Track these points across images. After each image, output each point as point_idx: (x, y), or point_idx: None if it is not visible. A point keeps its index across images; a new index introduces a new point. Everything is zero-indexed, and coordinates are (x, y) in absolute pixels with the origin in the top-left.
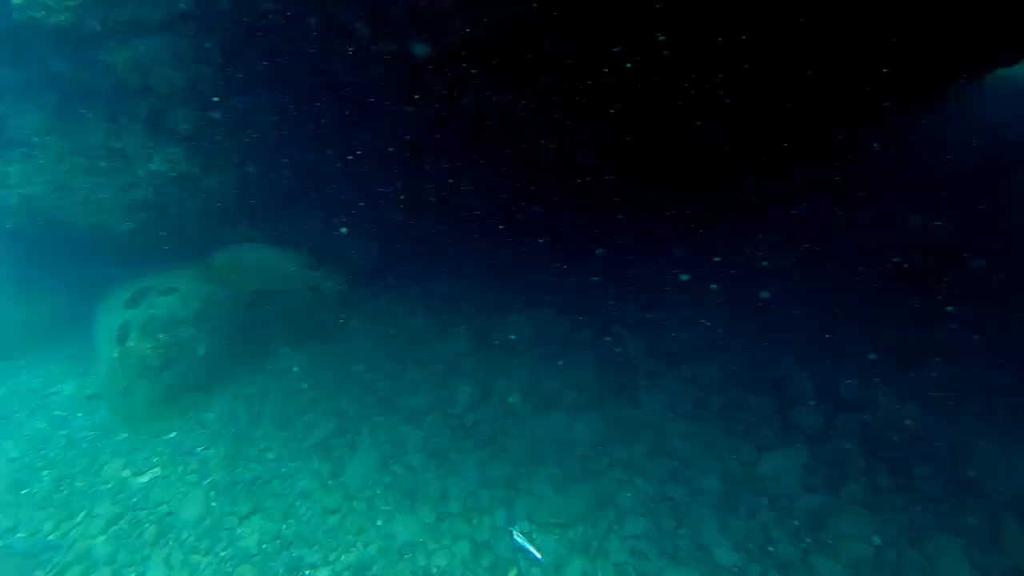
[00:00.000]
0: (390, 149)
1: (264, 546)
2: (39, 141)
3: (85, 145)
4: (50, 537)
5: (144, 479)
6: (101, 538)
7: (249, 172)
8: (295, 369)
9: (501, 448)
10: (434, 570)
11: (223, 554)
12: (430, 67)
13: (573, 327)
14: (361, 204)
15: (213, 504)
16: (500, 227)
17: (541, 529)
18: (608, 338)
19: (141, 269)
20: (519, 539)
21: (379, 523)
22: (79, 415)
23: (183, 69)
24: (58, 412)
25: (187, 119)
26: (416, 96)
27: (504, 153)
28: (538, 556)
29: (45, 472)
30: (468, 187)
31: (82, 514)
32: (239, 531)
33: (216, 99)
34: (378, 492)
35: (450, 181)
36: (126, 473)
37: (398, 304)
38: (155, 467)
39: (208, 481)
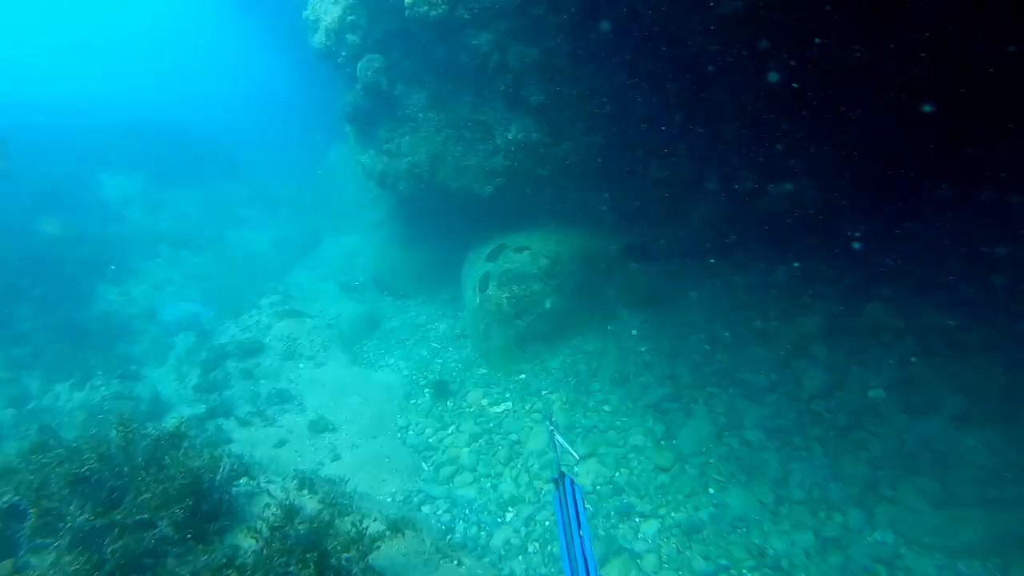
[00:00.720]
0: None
1: (598, 487)
2: (422, 116)
3: (455, 118)
4: (430, 440)
5: (499, 409)
6: (466, 449)
7: (595, 141)
8: (633, 332)
9: (857, 444)
10: (770, 551)
11: None
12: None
13: (960, 326)
14: (706, 175)
15: None
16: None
17: (911, 546)
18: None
19: (501, 228)
20: (559, 439)
21: (711, 491)
22: (450, 349)
23: (535, 45)
24: (435, 344)
25: (539, 91)
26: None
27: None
28: (576, 456)
29: (427, 390)
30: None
31: (452, 428)
32: (576, 469)
33: (563, 72)
34: (711, 461)
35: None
36: (485, 402)
37: (742, 278)
38: (507, 401)
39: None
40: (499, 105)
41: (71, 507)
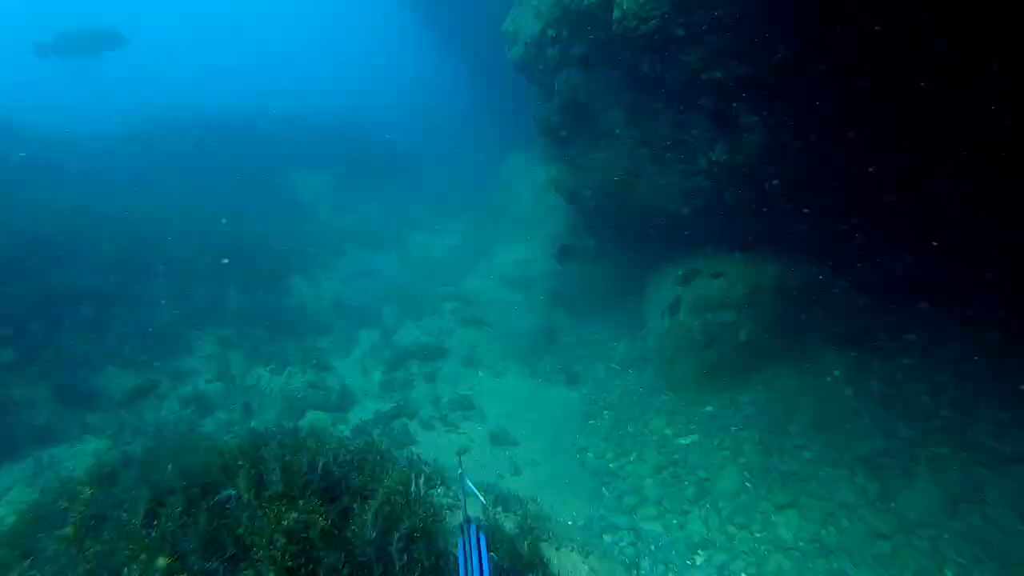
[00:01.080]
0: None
1: (801, 543)
2: (620, 132)
3: (655, 136)
4: (610, 465)
5: (685, 441)
6: (649, 480)
7: (802, 167)
8: (836, 373)
9: None
10: None
11: (759, 535)
12: None
13: None
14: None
15: (748, 484)
16: None
17: None
18: None
19: (693, 251)
20: (469, 484)
21: (948, 574)
22: (630, 371)
23: (748, 61)
24: (614, 365)
25: (749, 112)
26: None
27: None
28: (482, 499)
29: (606, 412)
30: None
31: (633, 455)
32: (774, 519)
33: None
34: (945, 537)
35: None
36: (669, 431)
37: (970, 329)
38: (693, 433)
39: (743, 460)
40: (703, 124)
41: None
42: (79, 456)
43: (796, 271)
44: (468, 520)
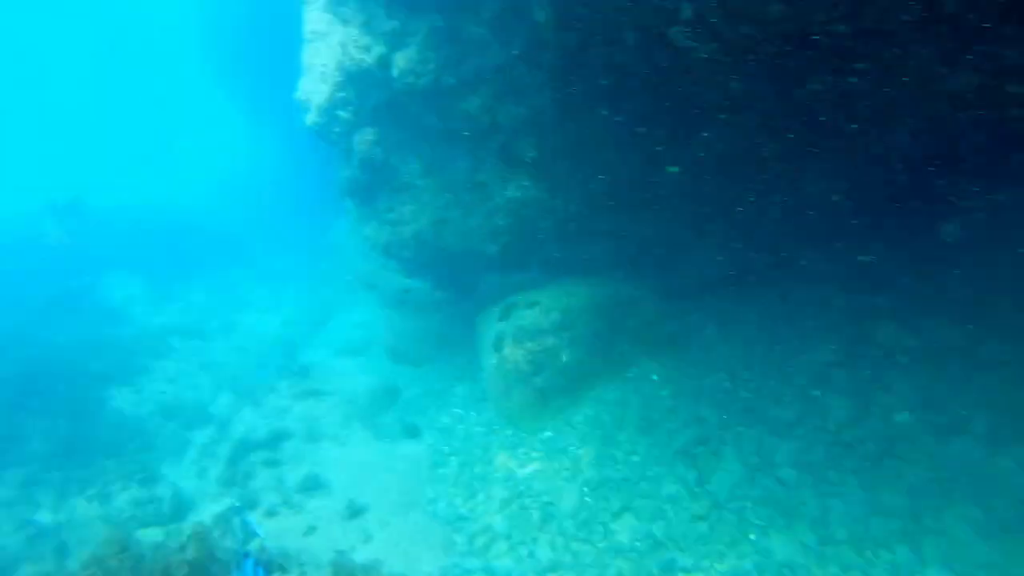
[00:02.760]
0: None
1: (637, 543)
2: (421, 184)
3: (453, 182)
4: (461, 510)
5: (527, 471)
6: (498, 516)
7: (593, 189)
8: (654, 377)
9: (893, 473)
10: None
11: (600, 545)
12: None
13: (972, 339)
14: (708, 210)
15: (587, 499)
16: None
17: None
18: None
19: (509, 286)
20: (248, 519)
21: (752, 537)
22: (472, 413)
23: (522, 104)
24: (457, 410)
25: (531, 147)
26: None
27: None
28: (261, 535)
29: (452, 457)
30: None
31: (482, 495)
32: (612, 526)
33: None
34: (747, 505)
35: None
36: (512, 464)
37: (754, 311)
38: (535, 461)
39: (581, 478)
40: (495, 165)
41: None
42: None
43: (604, 289)
44: (246, 554)
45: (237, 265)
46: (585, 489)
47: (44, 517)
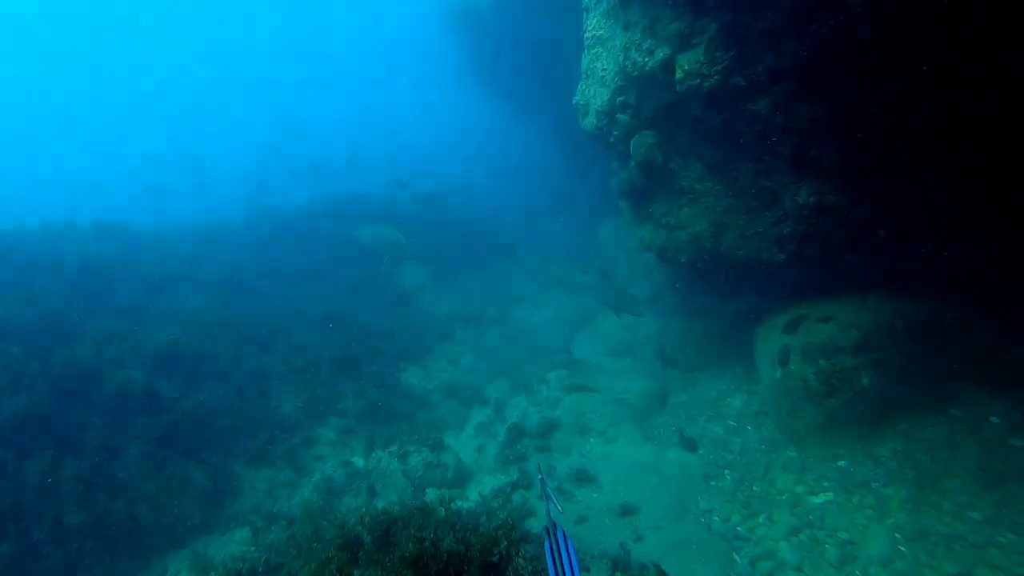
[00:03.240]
0: None
1: None
2: (700, 187)
3: (736, 187)
4: (739, 528)
5: (818, 499)
6: (784, 544)
7: (898, 196)
8: (994, 420)
9: None
10: None
11: None
12: None
13: None
14: None
15: (902, 548)
16: None
17: None
18: None
19: (796, 297)
20: (548, 489)
21: None
22: (749, 427)
23: (819, 103)
24: (731, 422)
25: (829, 150)
26: None
27: None
28: (560, 509)
29: (727, 471)
30: None
31: (763, 516)
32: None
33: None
34: None
35: None
36: (799, 489)
37: None
38: (827, 491)
39: (890, 521)
40: (785, 169)
41: None
42: (228, 544)
43: (918, 307)
44: (554, 524)
45: (507, 261)
46: (898, 536)
47: (358, 461)
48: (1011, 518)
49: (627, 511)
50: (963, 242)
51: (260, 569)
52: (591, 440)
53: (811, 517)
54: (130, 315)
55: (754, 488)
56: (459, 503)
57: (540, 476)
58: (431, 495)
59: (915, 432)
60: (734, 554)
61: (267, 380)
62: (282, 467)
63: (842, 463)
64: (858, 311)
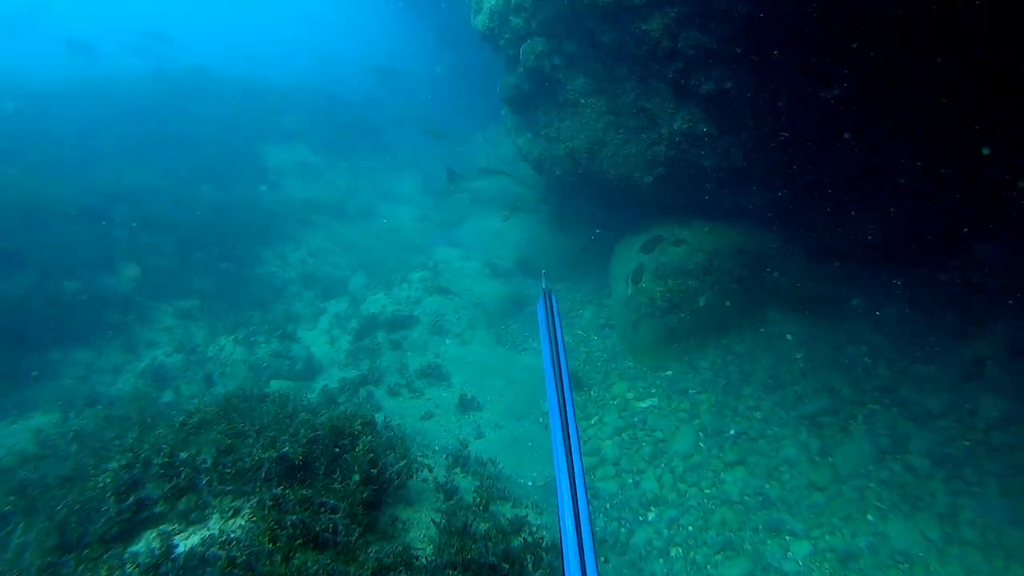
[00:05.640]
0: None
1: (746, 497)
2: (584, 102)
3: (618, 105)
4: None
5: (644, 404)
6: (608, 442)
7: (762, 134)
8: (788, 337)
9: None
10: None
11: (707, 491)
12: None
13: None
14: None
15: (701, 444)
16: None
17: None
18: None
19: (657, 219)
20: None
21: (870, 518)
22: (595, 338)
23: (709, 32)
24: (579, 331)
25: (709, 81)
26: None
27: None
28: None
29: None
30: None
31: (595, 419)
32: (724, 476)
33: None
34: (871, 485)
35: None
36: (630, 395)
37: (910, 289)
38: (653, 396)
39: (698, 422)
40: (666, 94)
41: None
42: (19, 433)
43: (755, 239)
44: (547, 290)
45: (380, 155)
46: (701, 434)
47: (199, 348)
48: (779, 415)
49: (472, 409)
50: (791, 184)
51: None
52: (447, 341)
53: (635, 419)
54: None
55: (592, 393)
56: (305, 395)
57: (544, 272)
58: (275, 386)
59: (731, 347)
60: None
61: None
62: (107, 350)
63: (669, 373)
64: (706, 237)
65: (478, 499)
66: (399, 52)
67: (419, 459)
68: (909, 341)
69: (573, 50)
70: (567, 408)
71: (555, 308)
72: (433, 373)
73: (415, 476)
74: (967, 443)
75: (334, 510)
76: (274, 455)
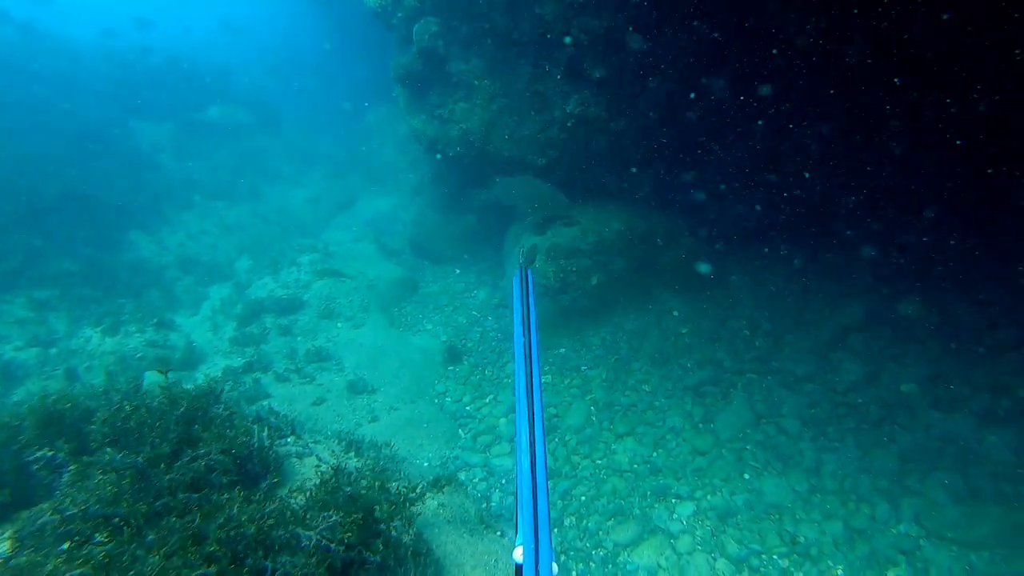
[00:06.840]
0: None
1: (635, 466)
2: (478, 84)
3: (512, 88)
4: (467, 408)
5: None
6: (503, 420)
7: (651, 118)
8: (675, 313)
9: (888, 437)
10: (801, 539)
11: (599, 462)
12: None
13: (991, 323)
14: (749, 166)
15: (593, 418)
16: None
17: (931, 538)
18: None
19: (549, 199)
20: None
21: (746, 476)
22: (489, 318)
23: (600, 18)
24: (474, 312)
25: (601, 66)
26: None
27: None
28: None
29: (465, 358)
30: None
31: (490, 397)
32: (614, 447)
33: (636, 46)
34: (747, 447)
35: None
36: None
37: (784, 267)
38: (547, 374)
39: (590, 397)
40: (558, 77)
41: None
42: None
43: (644, 220)
44: (524, 264)
45: (267, 135)
46: (592, 408)
47: (57, 341)
48: (666, 387)
49: (365, 393)
50: (676, 168)
51: None
52: (338, 325)
53: None
54: None
55: (487, 372)
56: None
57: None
58: (150, 379)
59: (622, 324)
60: (460, 430)
61: None
62: None
63: (562, 350)
64: (598, 218)
65: (371, 480)
66: (293, 31)
67: (310, 445)
68: (783, 315)
69: (467, 31)
70: (534, 382)
71: (531, 285)
72: (324, 357)
73: (304, 461)
74: (830, 405)
75: None
76: None
